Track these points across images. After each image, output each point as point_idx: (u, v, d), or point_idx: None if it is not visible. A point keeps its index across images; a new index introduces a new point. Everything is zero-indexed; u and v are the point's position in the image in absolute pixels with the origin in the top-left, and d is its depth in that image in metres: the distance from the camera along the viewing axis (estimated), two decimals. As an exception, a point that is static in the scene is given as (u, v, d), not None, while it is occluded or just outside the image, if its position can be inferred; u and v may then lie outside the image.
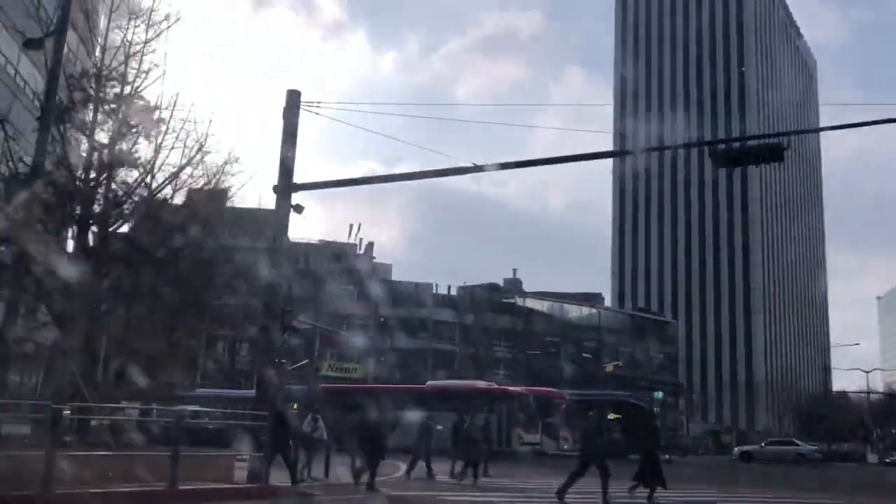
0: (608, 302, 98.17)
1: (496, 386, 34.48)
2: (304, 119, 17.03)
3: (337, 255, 63.09)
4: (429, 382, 36.23)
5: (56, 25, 15.71)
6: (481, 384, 34.06)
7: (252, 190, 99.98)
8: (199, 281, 22.95)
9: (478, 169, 16.49)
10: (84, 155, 18.50)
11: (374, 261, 67.47)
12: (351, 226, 79.67)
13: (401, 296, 62.33)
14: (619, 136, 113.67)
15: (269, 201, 16.61)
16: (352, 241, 65.25)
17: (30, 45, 15.96)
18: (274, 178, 16.11)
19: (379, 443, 14.93)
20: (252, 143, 78.34)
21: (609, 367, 57.20)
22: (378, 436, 15.07)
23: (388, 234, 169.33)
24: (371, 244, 68.24)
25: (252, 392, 20.29)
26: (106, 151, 17.89)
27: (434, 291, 66.77)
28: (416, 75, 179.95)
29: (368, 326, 60.59)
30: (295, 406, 19.03)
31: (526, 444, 30.70)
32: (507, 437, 30.38)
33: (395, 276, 69.07)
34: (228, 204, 23.78)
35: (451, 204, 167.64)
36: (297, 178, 16.41)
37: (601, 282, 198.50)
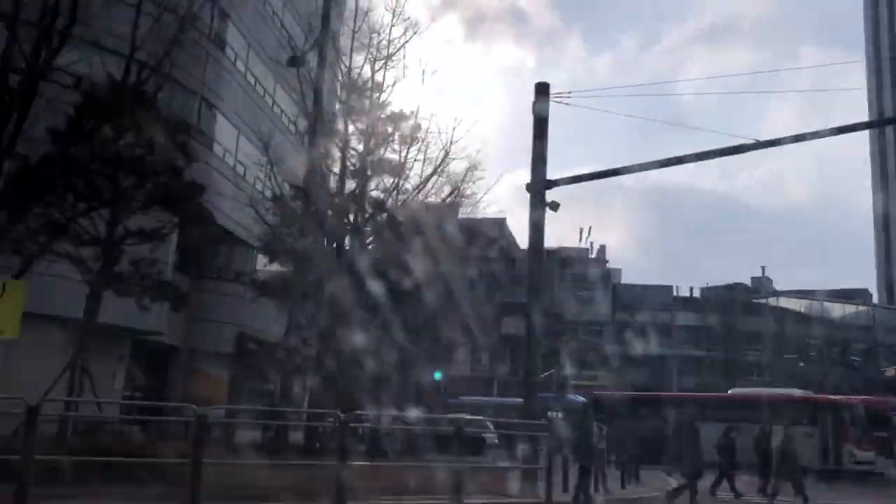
0: (875, 299, 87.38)
1: (813, 394, 30.53)
2: (516, 127, 16.23)
3: (569, 259, 62.14)
4: (731, 390, 33.17)
5: (312, 45, 16.46)
6: (798, 392, 30.18)
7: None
8: (441, 289, 23.12)
9: (758, 146, 14.63)
10: (338, 168, 19.31)
11: (607, 265, 65.70)
12: (581, 230, 78.06)
13: (638, 300, 59.88)
14: (877, 114, 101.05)
15: (498, 209, 16.23)
16: (583, 245, 63.98)
17: (293, 62, 16.99)
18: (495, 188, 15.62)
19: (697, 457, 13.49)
20: (480, 151, 79.47)
21: (890, 371, 50.07)
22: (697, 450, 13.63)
23: (614, 237, 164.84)
24: (603, 247, 66.55)
25: (517, 400, 19.71)
26: (360, 161, 18.46)
27: (675, 294, 63.40)
28: (635, 74, 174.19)
29: (606, 332, 58.85)
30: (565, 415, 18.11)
31: (859, 462, 26.59)
32: (834, 455, 26.61)
33: (625, 280, 66.69)
34: (472, 211, 23.87)
35: (677, 202, 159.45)
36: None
37: (858, 277, 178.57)
